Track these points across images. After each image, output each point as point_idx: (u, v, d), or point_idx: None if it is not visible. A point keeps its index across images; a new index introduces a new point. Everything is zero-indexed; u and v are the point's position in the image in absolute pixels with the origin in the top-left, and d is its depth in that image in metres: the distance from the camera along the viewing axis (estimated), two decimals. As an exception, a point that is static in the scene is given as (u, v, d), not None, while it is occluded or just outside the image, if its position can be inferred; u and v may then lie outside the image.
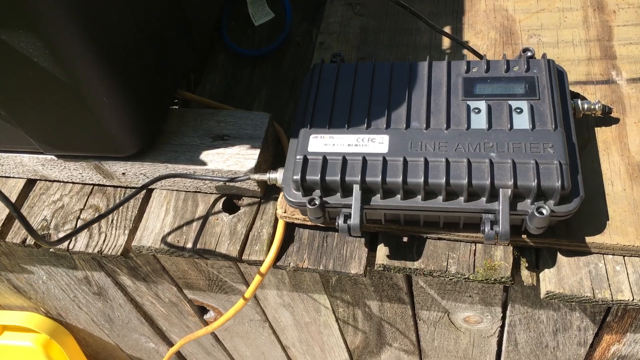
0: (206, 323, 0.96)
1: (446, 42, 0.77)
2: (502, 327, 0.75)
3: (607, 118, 0.64)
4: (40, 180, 0.79)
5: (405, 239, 0.63)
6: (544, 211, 0.51)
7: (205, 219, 0.70)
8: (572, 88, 0.67)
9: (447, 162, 0.54)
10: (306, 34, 0.88)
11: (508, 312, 0.71)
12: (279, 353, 1.02)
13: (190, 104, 0.82)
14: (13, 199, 0.78)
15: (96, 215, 0.71)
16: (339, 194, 0.57)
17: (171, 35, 0.70)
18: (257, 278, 0.66)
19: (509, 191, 0.52)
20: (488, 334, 0.77)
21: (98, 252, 0.71)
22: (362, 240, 0.65)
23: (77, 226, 0.72)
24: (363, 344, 0.90)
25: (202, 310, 0.93)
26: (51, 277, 0.92)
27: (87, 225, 0.64)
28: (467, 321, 0.75)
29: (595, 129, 0.64)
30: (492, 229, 0.52)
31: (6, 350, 1.11)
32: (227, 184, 0.69)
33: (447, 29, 0.78)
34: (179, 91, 0.80)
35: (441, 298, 0.72)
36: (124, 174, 0.73)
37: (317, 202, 0.56)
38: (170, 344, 1.08)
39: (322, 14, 0.85)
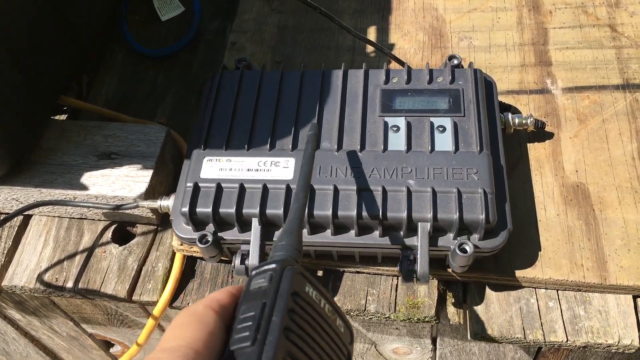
0: (114, 357, 0.86)
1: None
2: (434, 358, 0.68)
3: (540, 133, 0.58)
4: None
5: (320, 273, 0.55)
6: (467, 248, 0.44)
7: (90, 251, 0.60)
8: (504, 98, 0.61)
9: (359, 191, 0.47)
10: (219, 31, 0.78)
11: (438, 345, 0.64)
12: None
13: (81, 112, 0.71)
14: None
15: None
16: (236, 229, 0.48)
17: (43, 37, 0.59)
18: (150, 322, 0.57)
19: (429, 225, 0.45)
20: (419, 364, 0.71)
21: (-38, 292, 0.60)
22: (272, 274, 0.57)
23: (-64, 262, 0.61)
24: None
25: (107, 343, 0.83)
26: None
27: None
28: (396, 352, 0.69)
29: (528, 145, 0.58)
30: (410, 269, 0.45)
31: None
32: (114, 211, 0.59)
33: (372, 30, 0.70)
34: (65, 98, 0.68)
35: (366, 330, 0.65)
36: (-7, 198, 0.61)
37: (209, 238, 0.47)
38: (79, 375, 0.97)
39: (236, 9, 0.76)
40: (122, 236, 0.62)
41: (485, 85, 0.54)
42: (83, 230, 0.62)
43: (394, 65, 0.64)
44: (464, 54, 0.65)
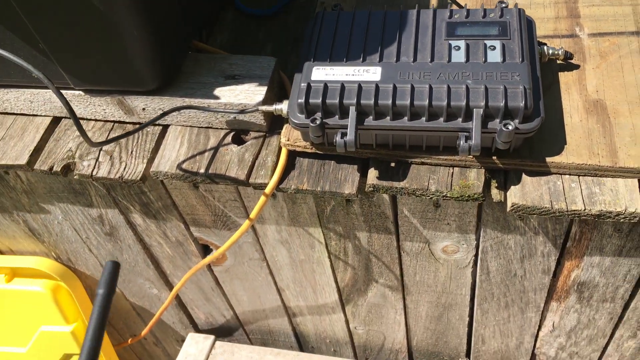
0: (210, 267, 1.04)
1: None
2: (476, 256, 0.84)
3: (569, 65, 0.74)
4: (65, 118, 0.88)
5: (392, 164, 0.73)
6: (510, 126, 0.61)
7: (216, 149, 0.79)
8: (541, 40, 0.77)
9: (430, 87, 0.64)
10: (308, -2, 0.97)
11: (481, 239, 0.80)
12: (274, 296, 1.10)
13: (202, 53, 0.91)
14: (40, 134, 0.86)
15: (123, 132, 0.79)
16: (337, 116, 0.66)
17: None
18: (262, 199, 0.75)
19: (481, 111, 0.62)
20: (463, 264, 0.86)
21: (119, 177, 0.80)
22: (355, 166, 0.74)
23: (99, 156, 0.81)
24: (352, 281, 0.98)
25: (205, 251, 1.01)
26: (67, 216, 1.00)
27: (116, 139, 0.72)
28: (445, 251, 0.85)
29: (559, 73, 0.74)
30: (466, 141, 0.62)
31: (16, 295, 1.18)
32: (236, 118, 0.77)
33: (434, -7, 0.88)
34: (194, 42, 0.89)
35: (422, 227, 0.81)
36: (144, 109, 0.81)
37: (318, 121, 0.65)
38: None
39: (323, -21, 0.95)
40: (239, 141, 0.81)
41: (527, 23, 0.70)
42: (209, 136, 0.81)
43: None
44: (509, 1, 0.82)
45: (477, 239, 0.81)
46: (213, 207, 0.89)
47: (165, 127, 0.84)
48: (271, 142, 0.79)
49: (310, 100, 0.66)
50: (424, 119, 0.64)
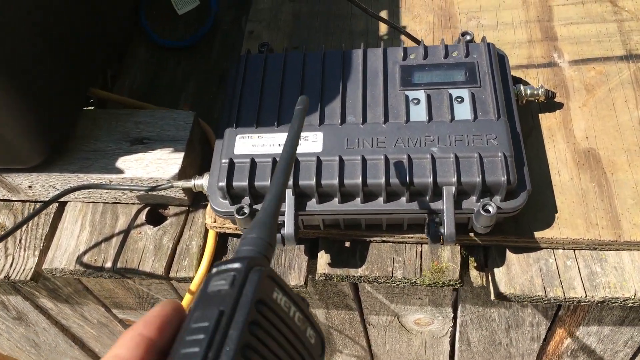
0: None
1: (383, 28, 0.72)
2: (454, 327, 0.71)
3: (550, 103, 0.61)
4: None
5: (347, 244, 0.58)
6: (490, 209, 0.47)
7: (126, 233, 0.63)
8: (514, 72, 0.64)
9: (387, 159, 0.50)
10: (234, 21, 0.81)
11: (459, 312, 0.67)
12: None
13: (107, 103, 0.74)
14: None
15: (1, 234, 0.62)
16: (270, 200, 0.51)
17: (78, 30, 0.62)
18: (187, 297, 0.60)
19: (453, 188, 0.48)
20: (440, 334, 0.73)
21: (5, 277, 0.63)
22: (302, 247, 0.60)
23: (-22, 249, 0.64)
24: (313, 351, 0.85)
25: (136, 328, 0.85)
26: (-38, 303, 0.82)
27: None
28: (418, 323, 0.72)
29: (539, 115, 0.61)
30: (437, 231, 0.48)
31: None
32: (148, 193, 0.61)
33: (383, 14, 0.73)
34: (93, 90, 0.71)
35: (390, 302, 0.68)
36: (30, 187, 0.64)
37: (246, 210, 0.50)
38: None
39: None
40: (155, 218, 0.65)
41: (498, 58, 0.57)
42: (118, 214, 0.65)
43: (406, 43, 0.67)
44: (473, 32, 0.68)
45: (455, 311, 0.68)
46: (135, 290, 0.73)
47: (63, 204, 0.67)
48: (196, 220, 0.63)
49: (235, 183, 0.51)
50: (381, 199, 0.50)
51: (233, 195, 0.51)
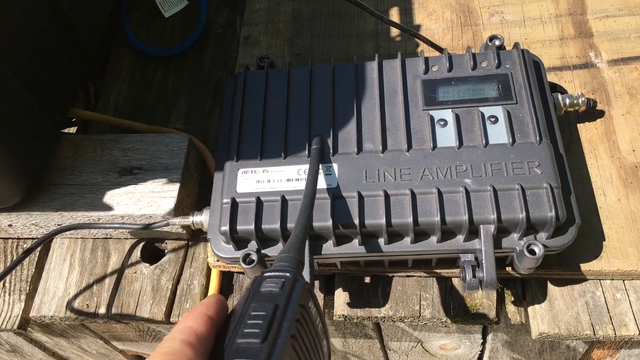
0: (147, 369, 0.83)
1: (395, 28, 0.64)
2: (483, 351, 0.66)
3: (590, 111, 0.54)
4: None
5: (367, 279, 0.52)
6: (537, 249, 0.41)
7: (120, 273, 0.57)
8: (547, 75, 0.57)
9: (413, 194, 0.43)
10: (228, 24, 0.73)
11: (489, 339, 0.62)
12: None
13: (91, 124, 0.67)
14: None
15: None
16: (280, 244, 0.45)
17: (46, 47, 0.54)
18: (192, 343, 0.54)
19: (492, 227, 0.42)
20: (466, 358, 0.68)
21: (-12, 326, 0.57)
22: (316, 283, 0.54)
23: (-42, 296, 0.57)
24: (328, 373, 0.80)
25: (139, 358, 0.80)
26: (-50, 340, 0.76)
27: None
28: (444, 348, 0.66)
29: (578, 125, 0.54)
30: (474, 276, 0.42)
31: None
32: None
33: (394, 11, 0.65)
34: (75, 110, 0.64)
35: (412, 330, 0.62)
36: (10, 225, 0.57)
37: (254, 258, 0.44)
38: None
39: (245, -2, 0.71)
40: (152, 253, 0.59)
41: (533, 66, 0.49)
42: (109, 251, 0.58)
43: (422, 47, 0.59)
44: (497, 30, 0.61)
45: (484, 337, 0.62)
46: (135, 325, 0.67)
47: (49, 242, 0.60)
48: (197, 255, 0.57)
49: (239, 227, 0.44)
50: (407, 239, 0.44)
51: (238, 239, 0.45)
